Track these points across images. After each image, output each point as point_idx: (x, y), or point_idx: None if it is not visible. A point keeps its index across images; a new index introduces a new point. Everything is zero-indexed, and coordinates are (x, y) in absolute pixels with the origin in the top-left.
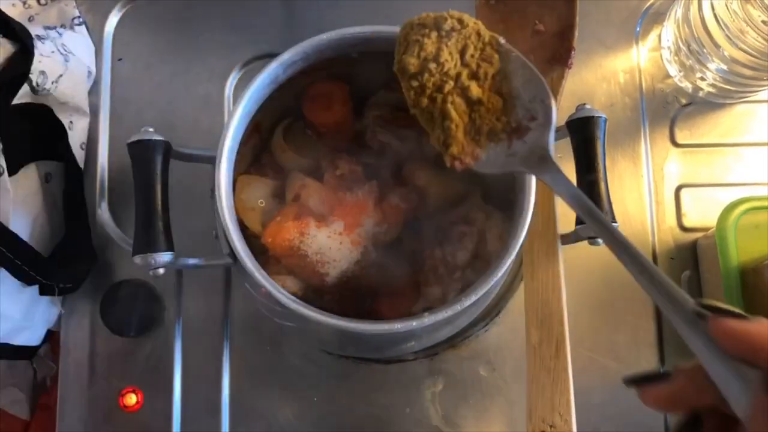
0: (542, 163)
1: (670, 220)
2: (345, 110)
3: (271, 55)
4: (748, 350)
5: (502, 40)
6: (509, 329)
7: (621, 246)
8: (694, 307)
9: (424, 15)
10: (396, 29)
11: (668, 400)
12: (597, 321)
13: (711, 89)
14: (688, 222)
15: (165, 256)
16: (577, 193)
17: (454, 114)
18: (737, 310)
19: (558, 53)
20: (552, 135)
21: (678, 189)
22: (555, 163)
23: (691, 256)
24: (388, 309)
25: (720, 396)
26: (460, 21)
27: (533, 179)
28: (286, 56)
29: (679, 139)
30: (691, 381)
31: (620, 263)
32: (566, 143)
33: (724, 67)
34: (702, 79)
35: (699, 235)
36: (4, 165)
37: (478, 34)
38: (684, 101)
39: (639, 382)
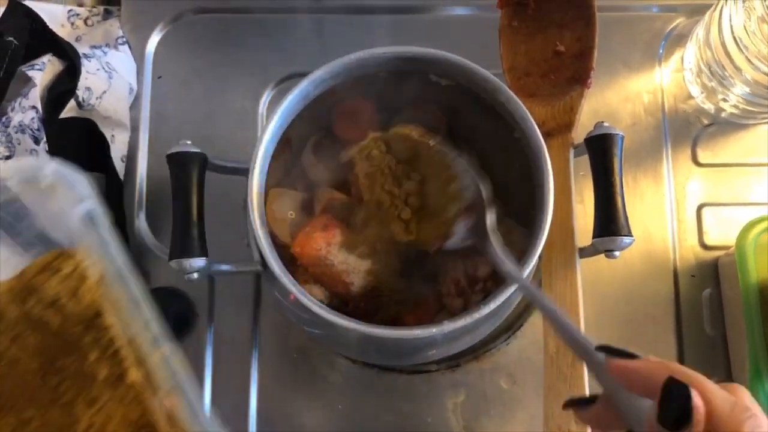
0: (484, 236)
1: (692, 238)
2: (372, 127)
3: (303, 74)
4: (639, 385)
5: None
6: (531, 343)
7: (534, 297)
8: (596, 351)
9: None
10: (420, 50)
11: (593, 422)
12: (617, 335)
13: (733, 110)
14: (709, 240)
15: (199, 261)
16: (514, 271)
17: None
18: (628, 350)
19: (578, 73)
20: (490, 213)
21: (699, 207)
22: (491, 238)
23: (713, 274)
24: (411, 318)
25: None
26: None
27: (551, 196)
28: (317, 74)
29: (701, 159)
30: (607, 409)
31: (641, 279)
32: (585, 159)
33: (747, 90)
34: (724, 100)
35: (720, 253)
36: None
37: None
38: (706, 122)
39: (573, 404)
